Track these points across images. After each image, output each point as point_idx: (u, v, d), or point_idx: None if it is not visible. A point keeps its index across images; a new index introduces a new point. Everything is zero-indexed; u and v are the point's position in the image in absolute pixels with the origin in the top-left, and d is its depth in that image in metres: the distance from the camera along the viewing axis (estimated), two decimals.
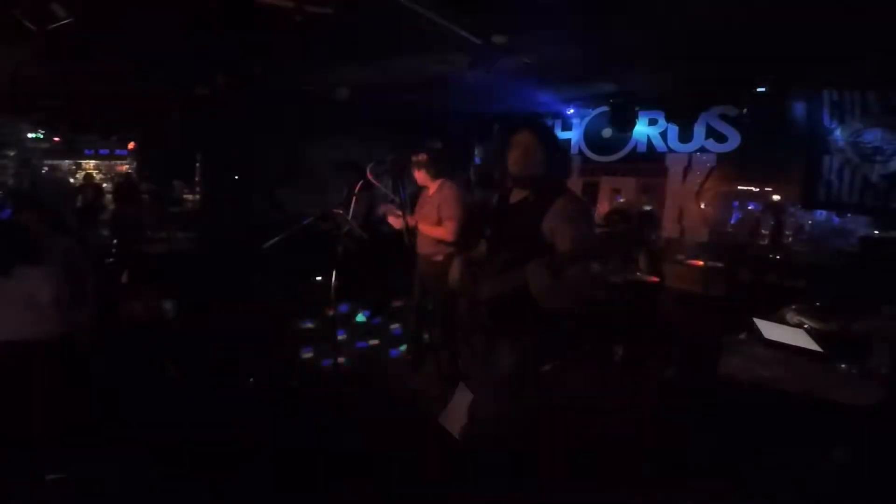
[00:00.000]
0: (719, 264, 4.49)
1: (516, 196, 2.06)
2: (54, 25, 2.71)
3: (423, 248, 3.41)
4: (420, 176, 3.45)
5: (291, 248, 3.07)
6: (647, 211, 5.18)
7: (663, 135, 5.41)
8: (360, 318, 4.90)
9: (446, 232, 3.24)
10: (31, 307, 2.27)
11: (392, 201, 3.63)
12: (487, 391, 2.11)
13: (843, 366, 2.31)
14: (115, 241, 4.67)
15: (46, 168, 7.14)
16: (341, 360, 3.49)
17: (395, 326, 4.71)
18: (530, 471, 2.18)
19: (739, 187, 4.83)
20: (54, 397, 2.32)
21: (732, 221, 4.81)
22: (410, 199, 3.84)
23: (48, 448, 2.30)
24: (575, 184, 5.84)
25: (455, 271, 2.19)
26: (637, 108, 5.25)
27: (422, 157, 3.42)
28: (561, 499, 2.24)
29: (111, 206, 6.00)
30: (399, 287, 4.57)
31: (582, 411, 3.11)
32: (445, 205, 3.29)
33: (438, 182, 3.42)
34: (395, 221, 3.40)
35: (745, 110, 4.55)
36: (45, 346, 2.30)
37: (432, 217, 3.34)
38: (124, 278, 4.13)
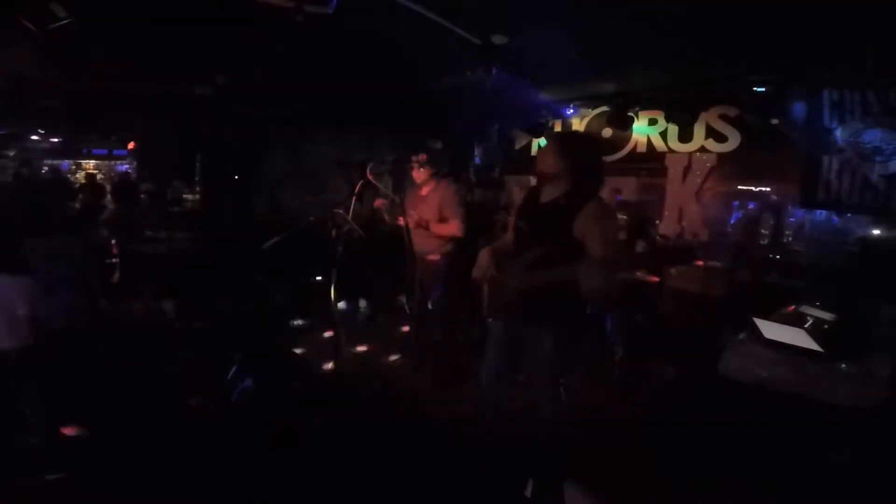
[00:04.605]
0: (719, 264, 4.49)
1: (547, 196, 2.20)
2: (54, 25, 2.71)
3: (419, 247, 3.41)
4: (419, 175, 3.47)
5: (291, 248, 3.06)
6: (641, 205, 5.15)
7: (663, 135, 5.40)
8: (361, 317, 4.89)
9: (455, 228, 3.34)
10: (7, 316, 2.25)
11: (392, 201, 3.63)
12: (541, 379, 2.21)
13: (843, 366, 2.31)
14: (114, 241, 4.66)
15: (46, 168, 7.15)
16: (341, 359, 3.48)
17: (394, 326, 4.70)
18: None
19: (739, 187, 4.83)
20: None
21: (732, 221, 4.80)
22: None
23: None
24: None
25: (483, 261, 2.31)
26: (637, 109, 5.24)
27: (422, 156, 3.45)
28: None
29: (111, 206, 5.99)
30: (399, 287, 4.55)
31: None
32: (448, 203, 3.36)
33: (435, 181, 3.45)
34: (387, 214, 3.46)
35: (745, 110, 4.55)
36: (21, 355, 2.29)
37: (433, 216, 3.37)
38: (115, 277, 4.13)
